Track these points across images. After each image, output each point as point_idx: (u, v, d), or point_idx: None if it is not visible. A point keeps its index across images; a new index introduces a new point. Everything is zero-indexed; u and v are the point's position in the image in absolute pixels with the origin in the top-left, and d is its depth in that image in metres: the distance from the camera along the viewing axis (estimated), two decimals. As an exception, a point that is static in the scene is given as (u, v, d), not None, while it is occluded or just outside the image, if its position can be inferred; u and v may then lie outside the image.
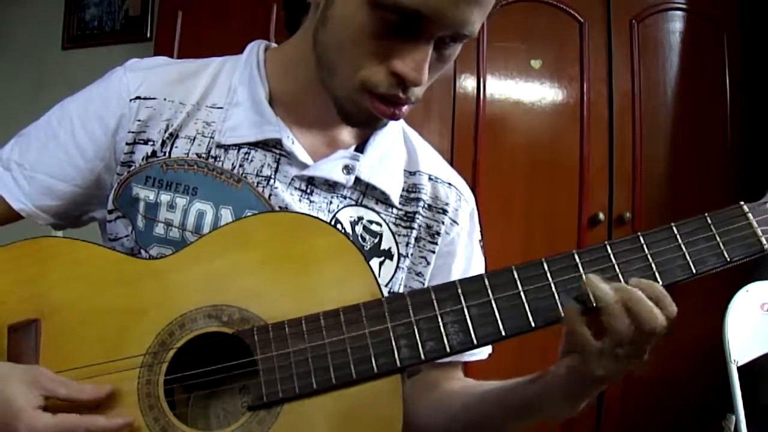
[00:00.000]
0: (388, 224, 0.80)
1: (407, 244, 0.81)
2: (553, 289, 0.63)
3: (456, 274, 0.85)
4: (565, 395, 0.65)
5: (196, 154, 0.76)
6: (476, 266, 0.88)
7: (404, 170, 0.84)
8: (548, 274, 0.63)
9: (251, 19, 2.23)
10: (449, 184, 0.86)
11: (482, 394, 0.77)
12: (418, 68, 0.65)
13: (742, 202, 0.65)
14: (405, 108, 0.70)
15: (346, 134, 0.81)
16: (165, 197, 0.75)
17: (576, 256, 0.63)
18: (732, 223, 0.64)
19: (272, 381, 0.62)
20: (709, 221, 0.64)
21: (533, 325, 0.62)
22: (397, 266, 0.81)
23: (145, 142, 0.76)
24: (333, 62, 0.69)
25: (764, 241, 0.63)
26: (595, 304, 0.60)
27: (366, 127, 0.78)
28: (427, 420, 0.81)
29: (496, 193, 2.18)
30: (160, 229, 0.74)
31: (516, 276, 0.64)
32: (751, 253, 0.64)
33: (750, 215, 0.64)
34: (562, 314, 0.62)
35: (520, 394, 0.70)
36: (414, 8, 0.61)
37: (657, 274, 0.63)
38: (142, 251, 0.75)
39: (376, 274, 0.77)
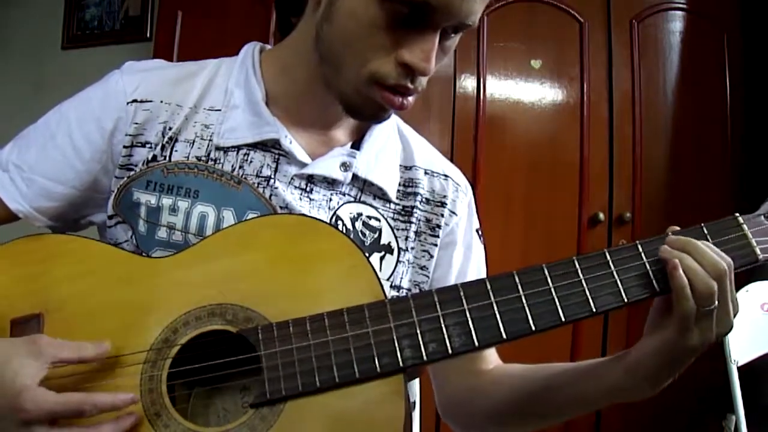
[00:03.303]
0: (386, 219, 0.82)
1: (407, 238, 0.82)
2: (554, 293, 0.65)
3: (456, 262, 0.86)
4: (651, 375, 0.66)
5: (196, 157, 0.76)
6: (476, 254, 0.89)
7: (400, 165, 0.85)
8: (548, 279, 0.65)
9: (251, 19, 2.23)
10: (445, 176, 0.87)
11: (546, 378, 0.77)
12: (426, 58, 0.67)
13: (737, 214, 0.68)
14: (412, 98, 0.71)
15: (341, 133, 0.82)
16: (167, 201, 0.75)
17: (576, 263, 0.66)
18: (727, 233, 0.67)
19: (275, 378, 0.62)
20: (706, 231, 0.67)
21: (533, 328, 0.64)
22: (398, 260, 0.82)
23: (143, 145, 0.76)
24: (340, 57, 0.70)
25: (758, 252, 0.66)
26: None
27: (373, 119, 0.79)
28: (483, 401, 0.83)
29: (496, 193, 2.18)
30: (162, 233, 0.75)
31: (517, 280, 0.65)
32: (746, 263, 0.67)
33: (745, 226, 0.67)
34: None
35: (594, 379, 0.71)
36: (423, 0, 0.63)
37: (654, 281, 0.65)
38: (144, 255, 0.74)
39: (378, 271, 0.78)
